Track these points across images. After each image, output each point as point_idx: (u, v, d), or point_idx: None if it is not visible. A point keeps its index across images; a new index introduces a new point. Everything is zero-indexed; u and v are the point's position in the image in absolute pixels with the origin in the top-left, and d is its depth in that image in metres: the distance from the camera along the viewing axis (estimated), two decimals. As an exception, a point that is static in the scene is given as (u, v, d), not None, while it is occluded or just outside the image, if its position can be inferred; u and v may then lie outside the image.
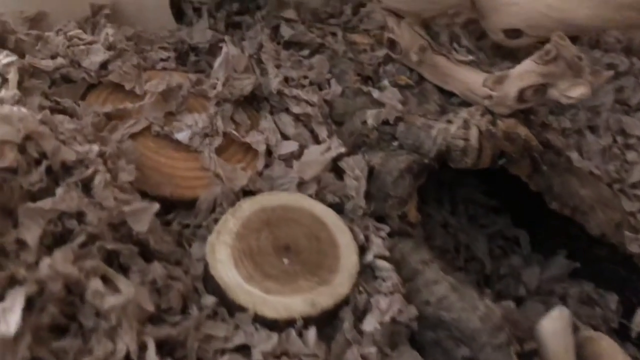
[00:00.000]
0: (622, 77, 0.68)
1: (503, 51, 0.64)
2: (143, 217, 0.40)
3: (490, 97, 0.53)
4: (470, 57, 0.59)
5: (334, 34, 0.68)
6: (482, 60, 0.63)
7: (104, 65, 0.53)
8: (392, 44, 0.62)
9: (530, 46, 0.59)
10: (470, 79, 0.56)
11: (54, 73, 0.51)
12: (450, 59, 0.58)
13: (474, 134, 0.49)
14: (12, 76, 0.47)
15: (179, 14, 0.68)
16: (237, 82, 0.55)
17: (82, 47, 0.53)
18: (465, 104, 0.57)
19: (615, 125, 0.64)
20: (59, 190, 0.38)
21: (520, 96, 0.51)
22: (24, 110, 0.40)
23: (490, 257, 0.58)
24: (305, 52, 0.65)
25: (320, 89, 0.60)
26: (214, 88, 0.55)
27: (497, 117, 0.52)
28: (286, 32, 0.66)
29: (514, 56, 0.63)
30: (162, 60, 0.60)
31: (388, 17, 0.60)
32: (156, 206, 0.41)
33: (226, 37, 0.62)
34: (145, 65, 0.57)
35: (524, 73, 0.51)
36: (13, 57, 0.48)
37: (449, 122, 0.51)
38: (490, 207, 0.61)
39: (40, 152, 0.39)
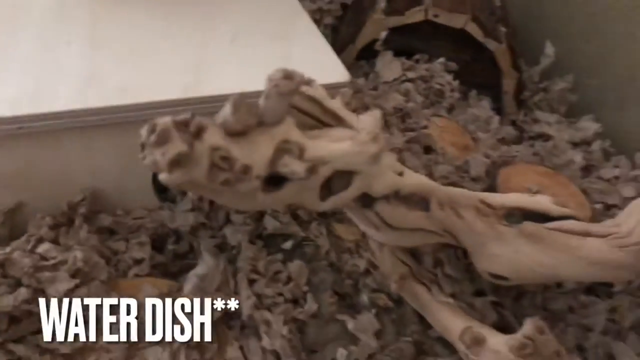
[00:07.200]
0: (616, 295, 0.64)
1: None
2: None
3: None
4: (450, 299, 0.55)
5: (319, 223, 0.65)
6: (465, 291, 0.59)
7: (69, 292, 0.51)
8: (373, 265, 0.60)
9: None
10: (448, 323, 0.53)
11: (14, 310, 0.49)
12: (431, 291, 0.56)
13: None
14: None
15: (162, 191, 0.66)
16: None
17: (47, 274, 0.51)
18: (444, 341, 0.55)
19: (605, 349, 0.59)
20: None
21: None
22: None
23: None
24: (288, 244, 0.62)
25: (296, 302, 0.57)
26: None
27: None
28: (270, 224, 0.64)
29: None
30: (135, 262, 0.59)
31: (370, 240, 0.58)
32: None
33: (202, 246, 0.60)
34: (116, 275, 0.56)
35: (498, 351, 0.48)
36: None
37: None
38: None
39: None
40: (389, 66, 0.86)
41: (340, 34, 0.96)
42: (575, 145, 0.87)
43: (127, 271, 0.58)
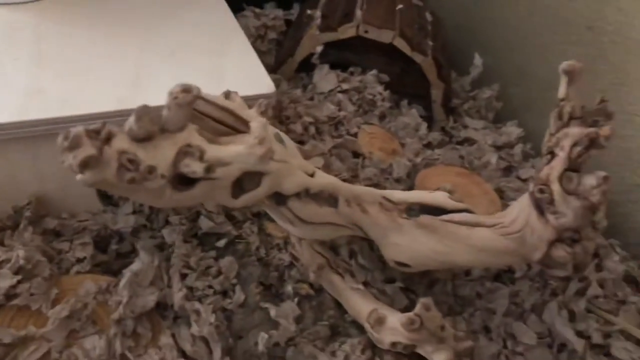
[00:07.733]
0: (518, 281, 0.70)
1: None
2: None
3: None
4: (361, 286, 0.62)
5: (252, 222, 0.71)
6: (376, 278, 0.65)
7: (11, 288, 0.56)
8: (294, 258, 0.66)
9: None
10: (358, 307, 0.60)
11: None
12: (345, 279, 0.62)
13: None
14: None
15: (105, 196, 0.71)
16: (140, 300, 0.58)
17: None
18: (357, 323, 0.61)
19: (507, 329, 0.65)
20: None
21: (394, 345, 0.55)
22: None
23: None
24: (222, 242, 0.68)
25: (225, 293, 0.63)
26: (119, 304, 0.57)
27: (378, 354, 0.56)
28: (204, 224, 0.69)
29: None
30: (78, 261, 0.63)
31: (291, 235, 0.64)
32: None
33: (139, 245, 0.65)
34: (58, 273, 0.61)
35: (395, 328, 0.55)
36: None
37: (333, 354, 0.56)
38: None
39: None
40: (325, 78, 0.93)
41: (283, 48, 1.03)
42: (498, 148, 0.94)
43: (70, 269, 0.63)
